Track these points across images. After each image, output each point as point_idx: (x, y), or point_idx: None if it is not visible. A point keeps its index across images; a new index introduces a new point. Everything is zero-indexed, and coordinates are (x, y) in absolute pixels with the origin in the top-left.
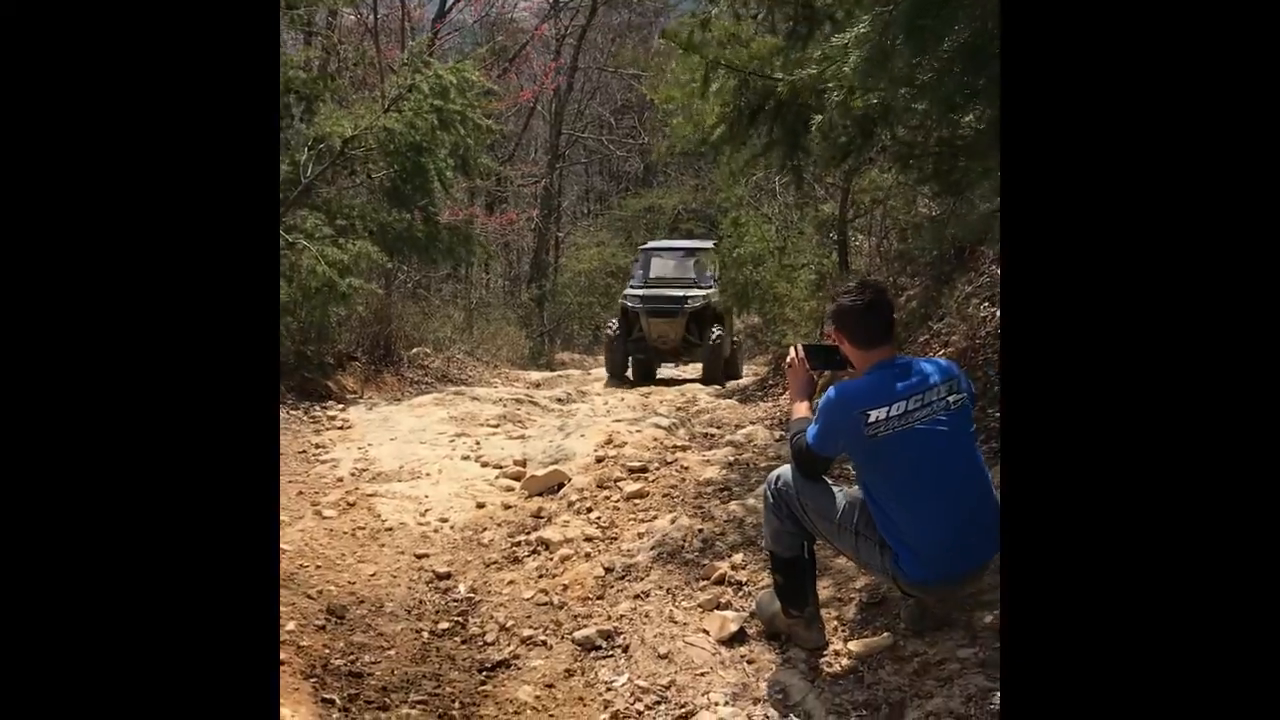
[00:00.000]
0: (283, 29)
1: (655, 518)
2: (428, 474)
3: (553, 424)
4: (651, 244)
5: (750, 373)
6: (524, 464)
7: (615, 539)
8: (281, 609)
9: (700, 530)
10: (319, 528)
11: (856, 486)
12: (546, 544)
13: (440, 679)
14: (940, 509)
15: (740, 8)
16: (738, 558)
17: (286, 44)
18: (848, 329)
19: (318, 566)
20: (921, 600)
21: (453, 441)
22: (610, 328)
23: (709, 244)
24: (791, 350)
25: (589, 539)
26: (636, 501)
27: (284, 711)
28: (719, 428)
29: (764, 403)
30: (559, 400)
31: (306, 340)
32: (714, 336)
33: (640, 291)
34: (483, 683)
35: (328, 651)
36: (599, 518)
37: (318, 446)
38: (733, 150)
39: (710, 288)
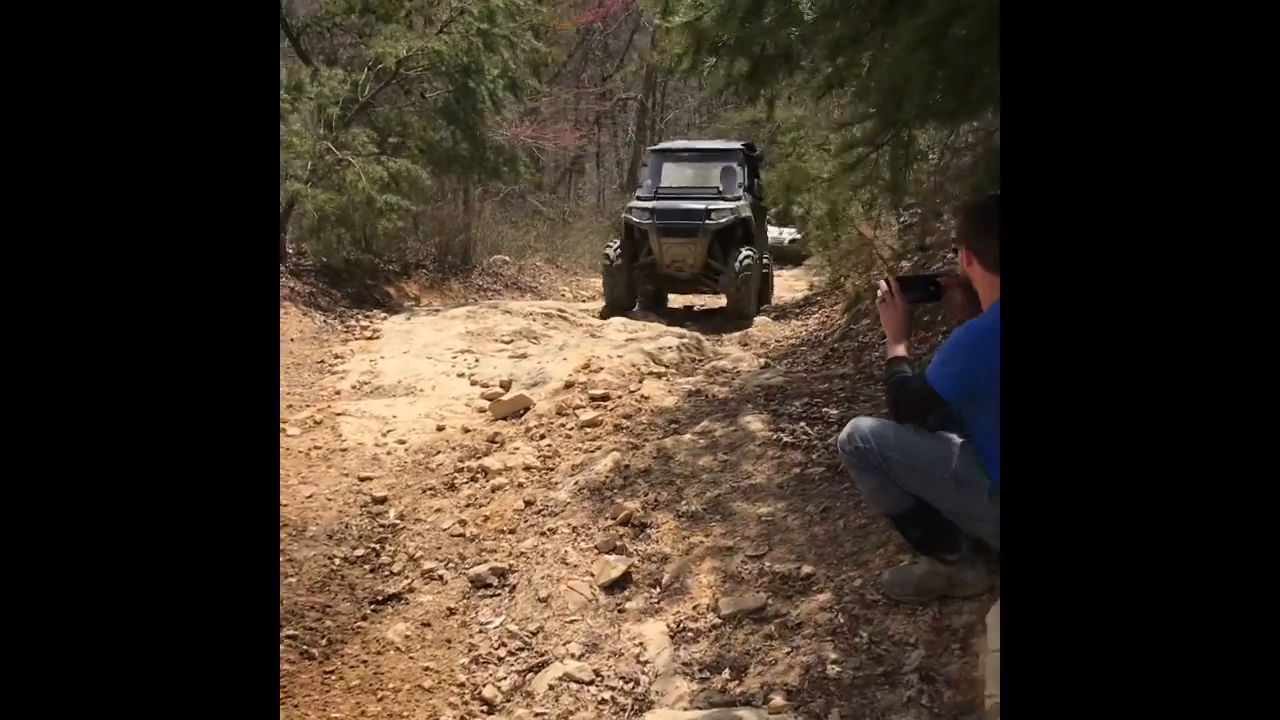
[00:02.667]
0: None
1: (599, 449)
2: (420, 390)
3: (558, 343)
4: (664, 145)
5: (799, 286)
6: (508, 385)
7: (552, 470)
8: None
9: (628, 466)
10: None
11: (946, 432)
12: (486, 472)
13: (327, 611)
14: None
15: None
16: (651, 497)
17: None
18: (983, 241)
19: None
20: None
21: (455, 358)
22: (609, 250)
23: (736, 145)
24: (883, 284)
25: (528, 468)
26: (588, 430)
27: None
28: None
29: (797, 320)
30: (599, 315)
31: (367, 249)
32: (742, 260)
33: (649, 204)
34: (364, 617)
35: None
36: (548, 445)
37: (336, 357)
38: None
39: (739, 199)
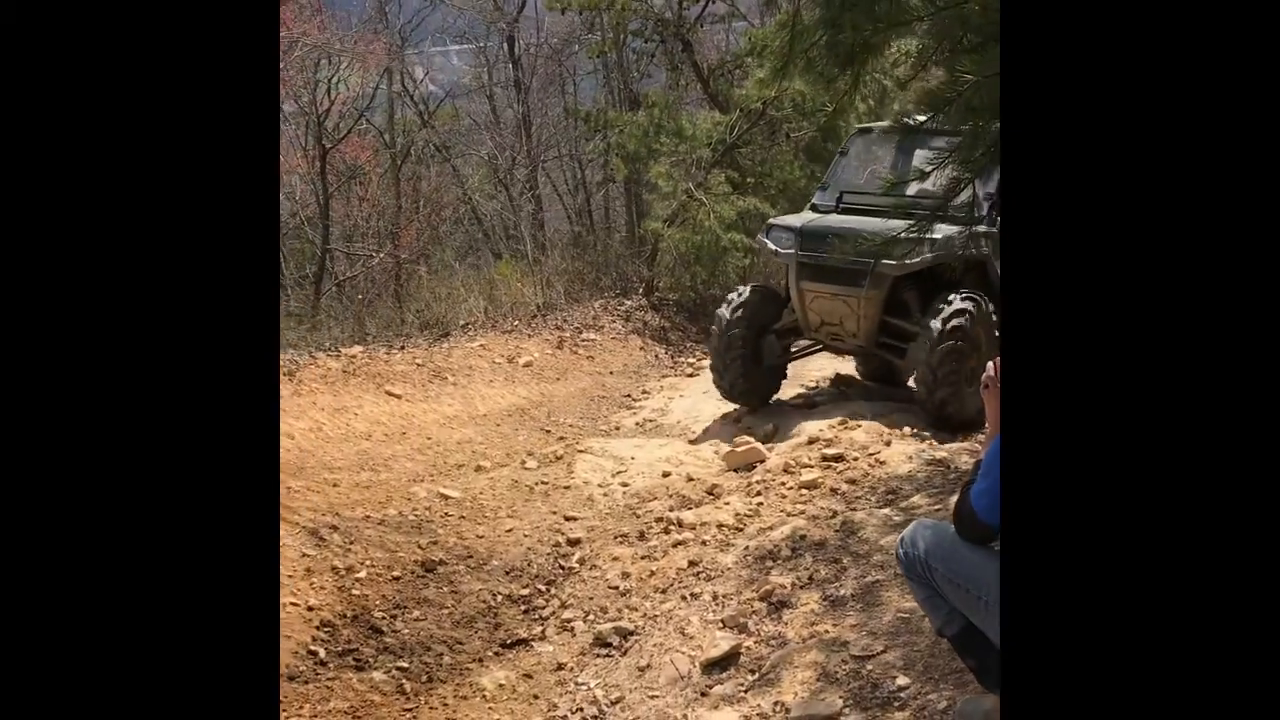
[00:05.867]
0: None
1: (802, 513)
2: (693, 432)
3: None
4: (874, 124)
5: None
6: (771, 435)
7: (742, 530)
8: (381, 554)
9: (804, 536)
10: (507, 478)
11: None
12: (680, 524)
13: (454, 647)
14: None
15: None
16: (808, 573)
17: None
18: None
19: (462, 516)
20: None
21: None
22: (726, 304)
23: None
24: (989, 366)
25: (721, 525)
26: (804, 491)
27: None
28: None
29: None
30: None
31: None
32: (947, 317)
33: (800, 220)
34: (481, 659)
35: (381, 601)
36: (760, 504)
37: (643, 392)
38: None
39: (976, 216)
